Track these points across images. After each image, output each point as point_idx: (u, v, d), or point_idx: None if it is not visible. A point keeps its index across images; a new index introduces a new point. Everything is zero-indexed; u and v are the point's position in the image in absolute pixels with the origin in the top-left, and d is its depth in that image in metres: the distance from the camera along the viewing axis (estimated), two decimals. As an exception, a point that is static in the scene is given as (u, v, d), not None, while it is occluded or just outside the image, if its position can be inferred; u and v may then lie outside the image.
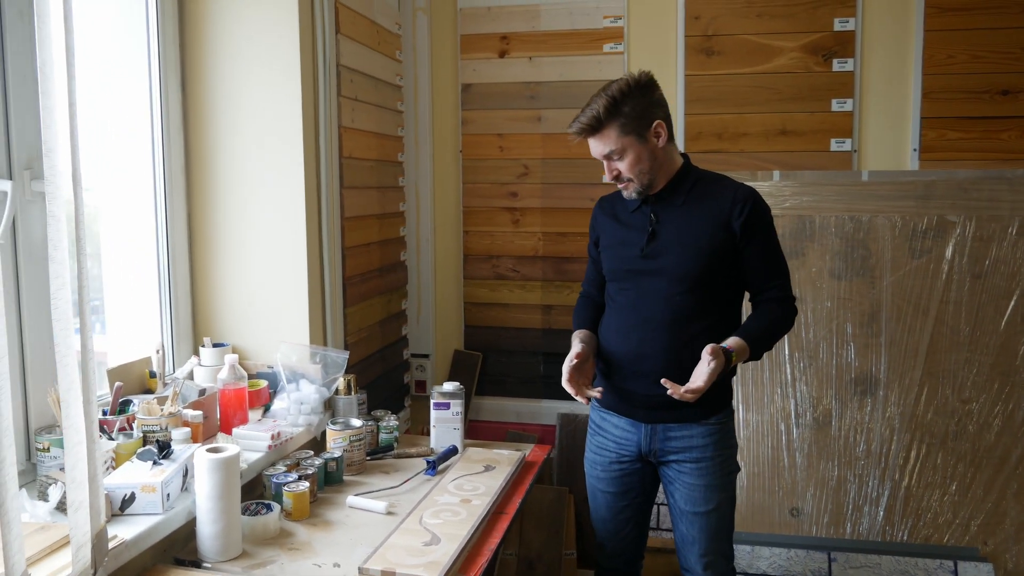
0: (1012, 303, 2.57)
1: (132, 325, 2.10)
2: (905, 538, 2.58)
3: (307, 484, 1.72)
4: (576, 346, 1.92)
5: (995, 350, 2.57)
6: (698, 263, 1.84)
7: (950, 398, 2.59)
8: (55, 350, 1.07)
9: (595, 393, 1.86)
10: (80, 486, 1.12)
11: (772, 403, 2.67)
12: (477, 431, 3.08)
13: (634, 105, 1.80)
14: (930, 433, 2.59)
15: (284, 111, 2.13)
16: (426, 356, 3.13)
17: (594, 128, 1.82)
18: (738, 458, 2.64)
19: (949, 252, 2.61)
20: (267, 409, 2.08)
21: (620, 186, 1.91)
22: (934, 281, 2.61)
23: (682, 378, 1.76)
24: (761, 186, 2.71)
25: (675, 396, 1.72)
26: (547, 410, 3.04)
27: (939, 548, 2.54)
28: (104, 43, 2.03)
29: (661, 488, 2.04)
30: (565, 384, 1.85)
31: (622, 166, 1.84)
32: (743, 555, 2.57)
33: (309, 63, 2.17)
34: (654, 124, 1.82)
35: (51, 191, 1.08)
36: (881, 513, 2.60)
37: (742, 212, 1.84)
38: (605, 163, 1.87)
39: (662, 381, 1.73)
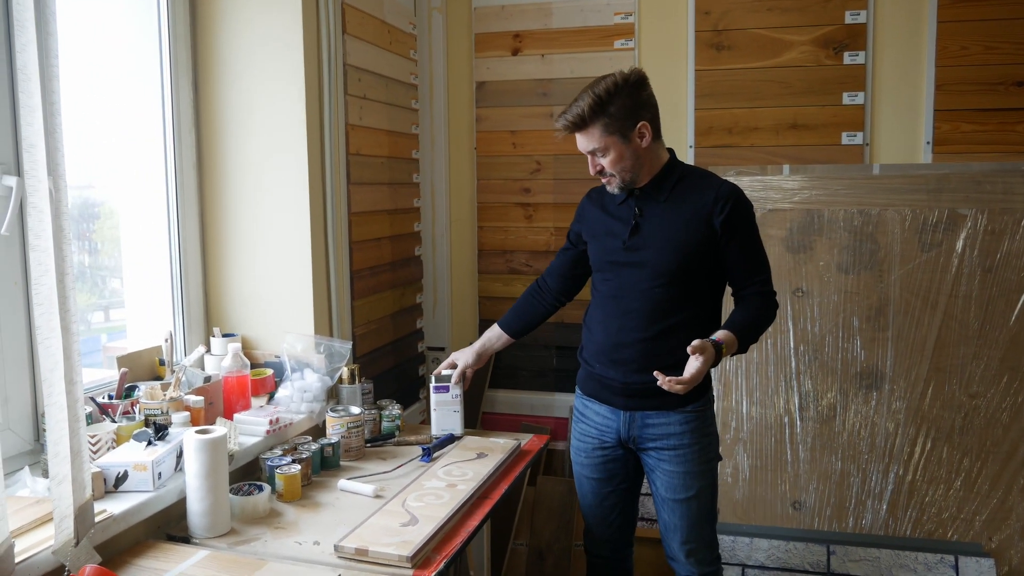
0: (1023, 297, 2.52)
1: (147, 316, 2.22)
2: (908, 532, 2.56)
3: (298, 467, 1.81)
4: (464, 356, 2.23)
5: (1004, 344, 2.53)
6: (678, 258, 1.87)
7: (957, 392, 2.55)
8: (37, 332, 1.17)
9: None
10: (63, 460, 1.22)
11: (777, 396, 2.67)
12: (491, 423, 3.14)
13: (621, 105, 1.84)
14: (936, 427, 2.56)
15: (288, 110, 2.21)
16: (441, 349, 3.20)
17: (577, 126, 1.87)
18: (741, 451, 2.67)
19: (959, 245, 2.57)
20: (272, 397, 2.18)
21: (603, 181, 1.96)
22: (943, 275, 2.57)
23: (657, 368, 1.81)
24: (771, 180, 2.71)
25: (664, 387, 1.76)
26: (560, 403, 3.09)
27: (941, 543, 2.52)
28: (120, 46, 2.15)
29: None
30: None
31: (605, 162, 1.89)
32: (742, 547, 2.58)
33: (314, 63, 2.26)
34: (639, 125, 1.86)
35: (32, 184, 1.17)
36: (884, 507, 2.58)
37: (723, 209, 1.87)
38: (589, 158, 1.92)
39: (655, 373, 1.77)
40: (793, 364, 2.66)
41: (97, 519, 1.36)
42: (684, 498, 1.95)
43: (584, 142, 1.89)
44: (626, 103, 1.84)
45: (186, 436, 1.56)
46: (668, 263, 1.88)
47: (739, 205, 1.89)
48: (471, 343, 2.31)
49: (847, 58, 2.75)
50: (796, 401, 2.66)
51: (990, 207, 2.56)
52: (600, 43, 2.96)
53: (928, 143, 2.70)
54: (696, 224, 1.88)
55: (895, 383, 2.59)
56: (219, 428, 1.59)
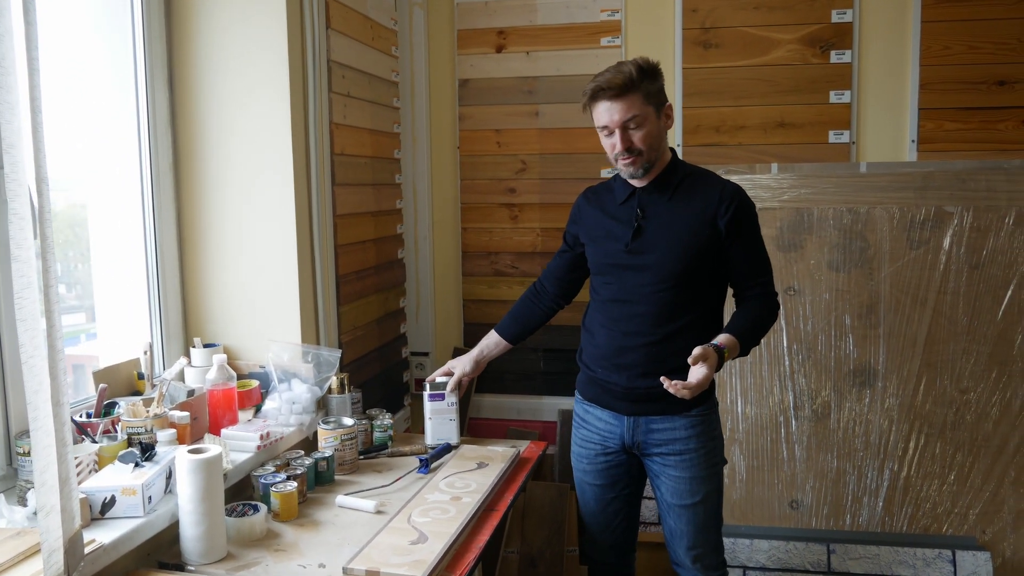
0: (1009, 293, 2.54)
1: (122, 326, 2.10)
2: (904, 528, 2.56)
3: (294, 484, 1.72)
4: (461, 364, 2.18)
5: (993, 339, 2.55)
6: (683, 260, 1.83)
7: (948, 388, 2.56)
8: (20, 351, 1.07)
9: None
10: (50, 490, 1.11)
11: (771, 396, 2.65)
12: (477, 429, 3.06)
13: (654, 81, 1.82)
14: (928, 423, 2.57)
15: (272, 108, 2.12)
16: (426, 354, 3.12)
17: (626, 88, 1.76)
18: (737, 451, 2.64)
19: (947, 243, 2.58)
20: (258, 409, 2.08)
21: (625, 161, 1.82)
22: (932, 272, 2.58)
23: (663, 372, 1.77)
24: (760, 179, 2.69)
25: (671, 391, 1.71)
26: (548, 406, 3.03)
27: (938, 538, 2.53)
28: (89, 39, 2.03)
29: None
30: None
31: (637, 136, 1.80)
32: (742, 548, 2.56)
33: (298, 59, 2.16)
34: (665, 105, 1.85)
35: (13, 188, 1.07)
36: (880, 504, 2.58)
37: (728, 210, 1.83)
38: (619, 133, 1.79)
39: (661, 379, 1.73)
40: (787, 363, 2.64)
41: (86, 550, 1.26)
42: (691, 503, 1.90)
43: (622, 110, 1.77)
44: (656, 81, 1.83)
45: (178, 456, 1.46)
46: (674, 265, 1.83)
47: (744, 205, 1.86)
48: (456, 347, 2.25)
49: (833, 57, 2.75)
50: (791, 400, 2.64)
51: (975, 204, 2.57)
52: (586, 40, 2.91)
53: (913, 141, 2.71)
54: (701, 225, 1.84)
55: (888, 380, 2.59)
56: (213, 447, 1.50)
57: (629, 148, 1.81)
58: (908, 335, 2.59)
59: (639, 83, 1.77)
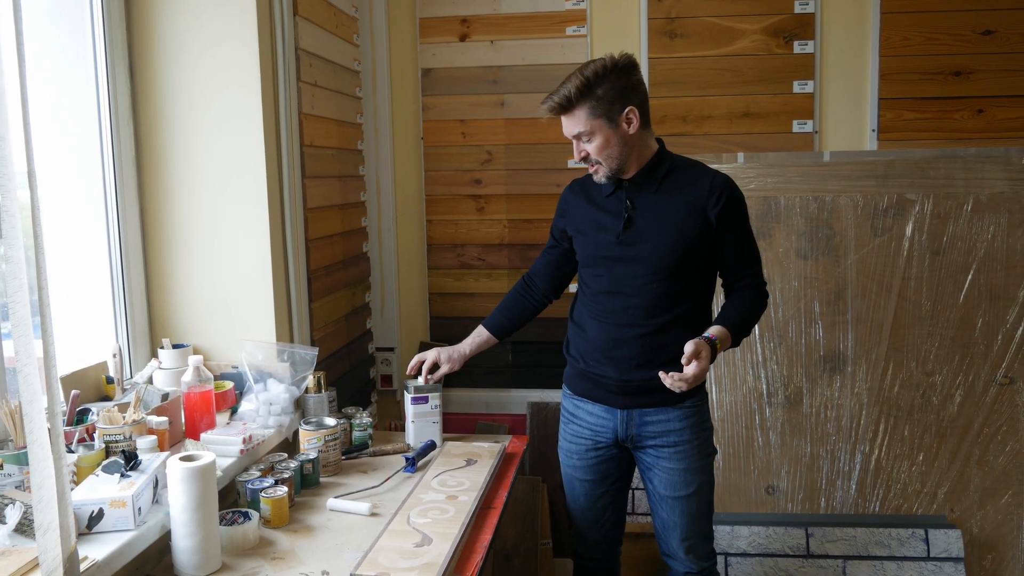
0: (969, 278, 2.63)
1: (82, 328, 1.98)
2: (877, 509, 2.63)
3: (285, 489, 1.65)
4: (450, 361, 2.11)
5: (955, 324, 2.63)
6: (675, 251, 1.82)
7: (915, 372, 2.64)
8: (15, 359, 0.98)
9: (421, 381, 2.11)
10: (48, 506, 1.02)
11: (744, 383, 2.68)
12: (446, 424, 2.99)
13: (608, 88, 1.77)
14: (897, 406, 2.64)
15: (243, 97, 2.02)
16: (391, 349, 3.06)
17: (564, 108, 1.80)
18: (713, 439, 2.67)
19: (909, 230, 2.65)
20: (234, 411, 1.99)
21: (590, 168, 1.88)
22: (896, 258, 2.65)
23: (657, 364, 1.79)
24: (726, 168, 2.70)
25: (666, 383, 1.72)
26: (516, 399, 3.00)
27: (909, 518, 2.60)
28: (43, 23, 1.89)
29: (637, 472, 2.03)
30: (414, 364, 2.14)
31: (590, 148, 1.81)
32: (723, 535, 2.58)
33: (268, 46, 2.07)
34: (626, 110, 1.79)
35: (3, 183, 0.98)
36: (853, 486, 2.64)
37: (719, 201, 1.83)
38: (574, 143, 1.84)
39: (660, 374, 1.73)
40: (759, 350, 2.67)
41: (80, 568, 1.17)
42: (684, 495, 1.90)
43: (569, 126, 1.81)
44: (614, 86, 1.77)
45: (171, 464, 1.38)
46: (666, 257, 1.82)
47: (733, 196, 1.86)
48: (423, 342, 2.19)
49: (797, 47, 2.78)
50: (764, 387, 2.67)
51: (935, 192, 2.65)
52: (552, 29, 2.88)
53: (873, 130, 2.78)
54: (692, 216, 1.83)
55: (856, 365, 2.65)
56: (205, 453, 1.42)
57: (585, 158, 1.84)
58: (875, 321, 2.65)
59: (577, 101, 1.77)
